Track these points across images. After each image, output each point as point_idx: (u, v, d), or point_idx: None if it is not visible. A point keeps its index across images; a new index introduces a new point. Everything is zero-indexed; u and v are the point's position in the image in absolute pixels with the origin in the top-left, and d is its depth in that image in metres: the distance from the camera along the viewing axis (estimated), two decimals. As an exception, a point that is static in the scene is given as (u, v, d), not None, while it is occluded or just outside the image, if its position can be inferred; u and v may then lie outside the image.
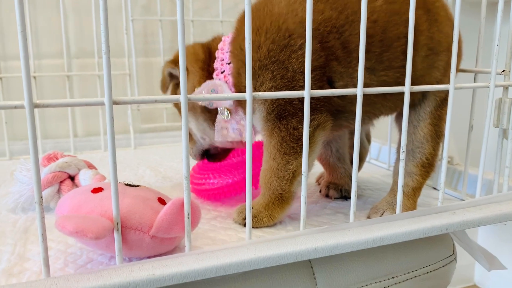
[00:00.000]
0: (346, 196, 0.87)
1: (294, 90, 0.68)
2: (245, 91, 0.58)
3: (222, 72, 0.76)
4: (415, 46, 0.68)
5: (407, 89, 0.66)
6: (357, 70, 0.65)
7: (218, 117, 0.78)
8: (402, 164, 0.68)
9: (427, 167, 0.78)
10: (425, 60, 0.73)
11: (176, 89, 0.87)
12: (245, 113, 0.71)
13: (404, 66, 0.69)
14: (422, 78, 0.74)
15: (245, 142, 0.68)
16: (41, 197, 0.49)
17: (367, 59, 0.68)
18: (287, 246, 0.59)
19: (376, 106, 0.74)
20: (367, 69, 0.69)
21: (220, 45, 0.78)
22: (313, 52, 0.67)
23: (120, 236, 0.54)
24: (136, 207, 0.59)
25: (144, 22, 1.45)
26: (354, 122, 0.70)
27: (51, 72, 1.36)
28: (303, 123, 0.67)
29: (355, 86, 0.64)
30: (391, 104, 0.75)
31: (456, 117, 0.74)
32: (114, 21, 1.40)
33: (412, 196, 0.78)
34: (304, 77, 0.65)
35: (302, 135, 0.67)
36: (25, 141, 1.34)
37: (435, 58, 0.74)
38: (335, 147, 0.89)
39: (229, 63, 0.75)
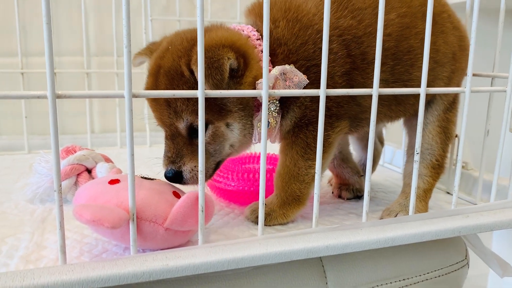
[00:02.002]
0: (358, 195, 0.88)
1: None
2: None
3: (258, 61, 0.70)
4: (420, 59, 0.69)
5: (423, 90, 0.66)
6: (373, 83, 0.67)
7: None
8: (416, 166, 0.69)
9: (437, 168, 0.79)
10: (430, 73, 0.74)
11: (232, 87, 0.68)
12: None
13: (411, 80, 0.71)
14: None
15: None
16: (60, 185, 0.50)
17: (382, 71, 0.70)
18: (299, 243, 0.59)
19: (379, 116, 0.75)
20: (381, 80, 0.70)
21: (245, 33, 0.71)
22: (340, 58, 0.69)
23: (135, 226, 0.55)
24: (151, 199, 0.60)
25: (163, 22, 1.47)
26: (361, 128, 0.75)
27: (71, 69, 1.38)
28: (327, 130, 0.70)
29: (369, 98, 0.65)
30: (394, 114, 0.77)
31: (471, 122, 0.74)
32: (134, 21, 1.42)
33: (424, 197, 0.78)
34: (334, 82, 0.68)
35: (325, 141, 0.70)
36: (43, 135, 1.37)
37: (440, 70, 0.76)
38: (337, 149, 0.90)
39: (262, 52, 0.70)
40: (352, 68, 0.69)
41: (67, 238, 0.67)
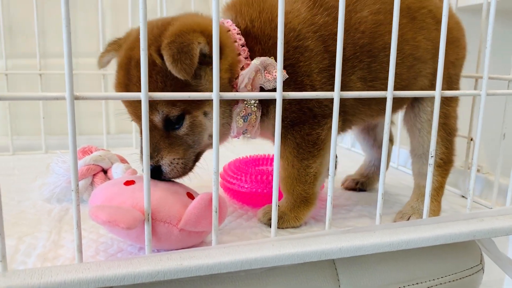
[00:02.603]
0: (360, 189, 0.93)
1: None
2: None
3: (238, 55, 0.69)
4: (399, 56, 0.69)
5: (437, 93, 0.66)
6: (352, 79, 0.69)
7: (241, 106, 0.68)
8: (430, 169, 0.68)
9: (444, 166, 0.78)
10: (411, 70, 0.73)
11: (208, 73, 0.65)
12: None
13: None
14: (407, 87, 0.75)
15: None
16: (77, 186, 0.51)
17: (359, 68, 0.70)
18: (312, 245, 0.59)
19: (361, 115, 0.76)
20: (360, 78, 0.71)
21: (226, 26, 0.70)
22: (318, 54, 0.68)
23: (150, 226, 0.56)
24: (166, 200, 0.61)
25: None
26: (350, 126, 0.79)
27: (87, 70, 1.40)
28: (315, 129, 0.70)
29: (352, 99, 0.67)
30: (375, 113, 0.77)
31: (487, 125, 0.73)
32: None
33: (436, 196, 0.78)
34: (312, 80, 0.67)
35: (316, 139, 0.70)
36: (60, 135, 1.39)
37: (422, 67, 0.75)
38: None
39: (243, 46, 0.69)
40: (331, 64, 0.69)
41: (83, 238, 0.68)
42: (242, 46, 0.67)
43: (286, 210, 0.73)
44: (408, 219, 0.74)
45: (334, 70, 0.67)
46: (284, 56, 0.66)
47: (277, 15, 0.67)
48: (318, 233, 0.63)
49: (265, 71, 0.65)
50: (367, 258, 0.70)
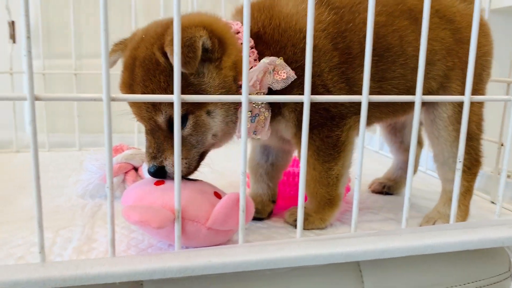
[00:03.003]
0: (387, 192, 0.93)
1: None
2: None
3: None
4: (402, 57, 0.69)
5: (467, 98, 0.66)
6: (362, 77, 0.66)
7: (252, 107, 0.68)
8: (458, 174, 0.68)
9: (468, 170, 0.77)
10: (415, 72, 0.72)
11: (211, 71, 0.65)
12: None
13: (395, 77, 0.71)
14: (413, 89, 0.72)
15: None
16: (112, 182, 0.54)
17: None
18: (337, 246, 0.60)
19: (371, 118, 0.75)
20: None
21: (233, 28, 0.70)
22: (326, 52, 0.69)
23: (180, 223, 0.57)
24: (194, 199, 0.63)
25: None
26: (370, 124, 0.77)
27: (119, 71, 1.44)
28: (334, 131, 0.70)
29: (361, 92, 0.65)
30: (384, 115, 0.78)
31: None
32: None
33: (462, 201, 0.77)
34: (323, 79, 0.68)
35: (336, 141, 0.71)
36: (94, 133, 1.43)
37: (429, 69, 0.73)
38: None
39: (252, 48, 0.69)
40: (341, 62, 0.69)
41: (116, 233, 0.70)
42: (251, 48, 0.67)
43: (311, 212, 0.74)
44: (434, 223, 0.74)
45: (344, 67, 0.68)
46: (292, 59, 0.68)
47: (284, 21, 0.68)
48: (343, 235, 0.64)
49: (274, 72, 0.66)
50: (392, 261, 0.70)
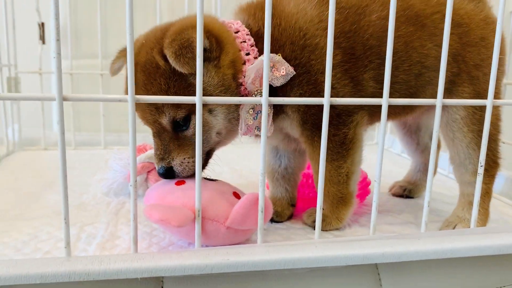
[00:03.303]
0: (407, 196, 0.93)
1: (320, 95, 0.65)
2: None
3: (247, 54, 0.69)
4: (406, 63, 0.69)
5: (489, 102, 0.65)
6: (365, 78, 0.69)
7: (247, 106, 0.68)
8: (479, 178, 0.67)
9: (485, 173, 0.75)
10: (419, 78, 0.72)
11: (210, 70, 0.66)
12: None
13: (397, 82, 0.70)
14: (415, 95, 0.73)
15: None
16: (136, 181, 0.56)
17: (370, 68, 0.71)
18: (355, 248, 0.60)
19: (377, 115, 0.74)
20: (373, 79, 0.71)
21: (232, 27, 0.71)
22: None
23: (200, 222, 0.59)
24: (214, 199, 0.64)
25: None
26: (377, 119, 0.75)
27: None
28: (341, 129, 0.71)
29: (367, 92, 0.68)
30: (389, 114, 0.74)
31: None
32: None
33: (482, 204, 0.76)
34: (324, 77, 0.65)
35: (344, 139, 0.71)
36: (118, 132, 1.46)
37: (433, 75, 0.72)
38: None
39: (252, 46, 0.70)
40: (344, 60, 0.69)
41: (138, 230, 0.72)
42: (252, 46, 0.68)
43: (327, 212, 0.74)
44: (454, 228, 0.74)
45: (347, 65, 0.68)
46: (291, 56, 0.68)
47: (285, 20, 0.69)
48: (361, 237, 0.65)
49: (274, 68, 0.66)
50: (411, 265, 0.70)
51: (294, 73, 0.67)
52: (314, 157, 0.73)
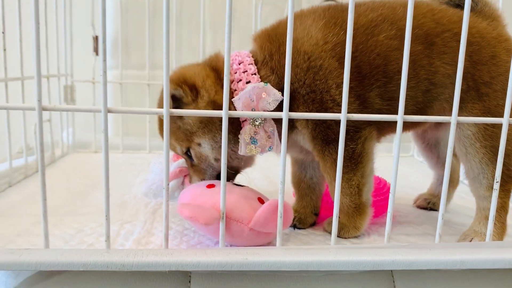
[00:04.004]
0: (431, 208, 0.95)
1: (326, 110, 0.74)
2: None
3: (247, 82, 0.75)
4: (414, 80, 0.71)
5: (505, 120, 0.68)
6: (371, 95, 0.72)
7: (248, 127, 0.73)
8: (495, 194, 0.70)
9: (500, 187, 0.75)
10: (427, 94, 0.74)
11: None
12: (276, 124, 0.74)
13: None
14: (422, 110, 0.76)
15: (250, 157, 0.80)
16: (168, 184, 0.63)
17: (376, 86, 0.74)
18: (367, 255, 0.64)
19: (385, 130, 0.80)
20: (378, 96, 0.74)
21: (237, 59, 0.78)
22: (333, 70, 0.73)
23: (224, 224, 0.65)
24: (239, 203, 0.70)
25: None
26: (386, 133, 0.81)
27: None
28: (349, 145, 0.75)
29: (373, 109, 0.73)
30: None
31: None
32: (243, 39, 1.56)
33: (498, 217, 0.77)
34: (331, 95, 0.73)
35: (352, 154, 0.75)
36: (162, 138, 1.55)
37: (440, 91, 0.75)
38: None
39: (254, 74, 0.75)
40: (350, 80, 0.72)
41: (171, 229, 0.80)
42: (253, 74, 0.75)
43: (345, 221, 0.78)
44: (470, 241, 0.76)
45: (353, 83, 0.71)
46: (294, 79, 0.73)
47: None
48: (375, 245, 0.68)
49: (265, 94, 0.71)
50: (426, 274, 0.73)
51: (282, 98, 0.71)
52: (326, 170, 0.78)
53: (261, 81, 0.75)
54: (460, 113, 0.77)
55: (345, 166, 0.75)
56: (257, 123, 0.72)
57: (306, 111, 0.74)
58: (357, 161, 0.76)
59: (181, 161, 0.99)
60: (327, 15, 0.76)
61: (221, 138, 0.76)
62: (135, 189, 1.04)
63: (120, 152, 1.50)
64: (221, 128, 0.75)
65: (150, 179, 1.00)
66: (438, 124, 0.89)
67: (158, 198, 0.97)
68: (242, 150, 0.73)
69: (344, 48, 0.73)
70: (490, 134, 0.75)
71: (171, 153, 1.01)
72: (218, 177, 0.81)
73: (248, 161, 0.84)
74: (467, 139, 0.77)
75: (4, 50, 1.00)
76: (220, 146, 0.77)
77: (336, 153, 0.74)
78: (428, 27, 0.75)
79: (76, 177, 1.16)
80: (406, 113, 0.73)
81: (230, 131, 0.75)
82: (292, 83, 0.74)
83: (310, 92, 0.73)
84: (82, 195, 0.99)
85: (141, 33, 1.56)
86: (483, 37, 0.77)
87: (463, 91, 0.75)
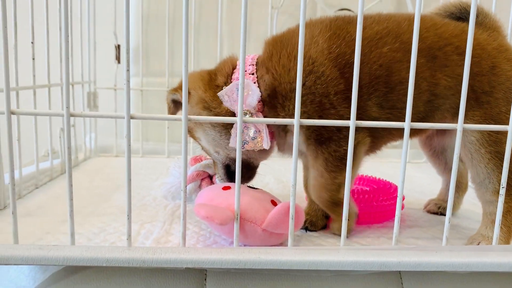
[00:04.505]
0: (442, 213, 0.97)
1: (323, 111, 0.76)
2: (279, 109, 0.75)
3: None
4: (416, 90, 0.72)
5: (510, 128, 0.70)
6: (368, 104, 0.75)
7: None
8: (501, 199, 0.72)
9: (506, 192, 0.76)
10: (428, 104, 0.77)
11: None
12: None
13: (405, 107, 0.73)
14: (424, 119, 0.79)
15: (262, 150, 0.82)
16: (186, 185, 0.67)
17: (375, 96, 0.77)
18: (375, 256, 0.67)
19: (383, 139, 0.83)
20: (376, 104, 0.77)
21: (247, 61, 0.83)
22: (334, 78, 0.76)
23: (238, 224, 0.69)
24: (253, 204, 0.74)
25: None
26: (381, 145, 0.84)
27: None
28: (342, 146, 0.77)
29: (367, 117, 0.76)
30: (396, 137, 0.83)
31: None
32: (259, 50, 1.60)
33: (504, 222, 0.78)
34: (330, 100, 0.76)
35: (344, 155, 0.77)
36: (181, 143, 1.60)
37: (441, 102, 0.77)
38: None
39: (252, 74, 0.81)
40: (346, 88, 0.76)
41: (188, 229, 0.84)
42: (250, 74, 0.80)
43: (335, 225, 0.83)
44: (478, 244, 0.77)
45: (350, 93, 0.73)
46: (294, 78, 0.76)
47: (296, 49, 0.76)
48: (382, 247, 0.71)
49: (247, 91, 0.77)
50: (434, 276, 0.75)
51: (260, 93, 0.77)
52: (315, 165, 0.81)
53: (257, 80, 0.80)
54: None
55: (334, 165, 0.78)
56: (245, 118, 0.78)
57: (304, 111, 0.76)
58: (345, 163, 0.78)
59: (199, 165, 1.03)
60: (333, 27, 0.79)
61: (212, 132, 0.83)
62: (154, 192, 1.09)
63: (140, 157, 1.55)
64: (210, 123, 0.84)
65: (169, 182, 1.04)
66: (443, 132, 0.92)
67: (177, 200, 1.01)
68: (231, 142, 0.80)
69: (344, 60, 0.77)
70: (495, 140, 0.77)
71: (189, 157, 1.05)
72: (227, 170, 0.88)
73: (262, 153, 0.86)
74: (472, 145, 0.79)
75: (33, 59, 1.05)
76: (214, 139, 0.84)
77: (328, 152, 0.78)
78: (431, 41, 0.78)
79: (99, 180, 1.21)
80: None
81: (225, 126, 0.81)
82: (290, 83, 0.78)
83: (309, 93, 0.76)
84: (104, 197, 1.04)
85: (161, 41, 1.62)
86: (483, 49, 0.79)
87: None
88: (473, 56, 0.76)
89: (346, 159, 0.77)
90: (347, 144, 0.76)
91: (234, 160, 0.86)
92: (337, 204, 0.81)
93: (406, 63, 0.75)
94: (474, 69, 0.77)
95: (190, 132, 0.89)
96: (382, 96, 0.78)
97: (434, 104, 0.79)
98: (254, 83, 0.80)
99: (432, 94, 0.78)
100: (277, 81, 0.79)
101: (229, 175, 0.89)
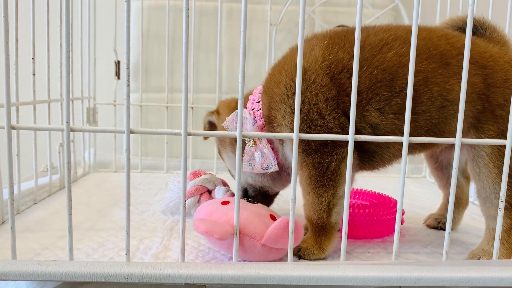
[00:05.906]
0: (442, 228, 0.96)
1: (311, 122, 0.76)
2: (274, 123, 0.78)
3: (252, 109, 0.86)
4: (427, 95, 0.73)
5: (509, 142, 0.70)
6: (367, 109, 0.75)
7: (246, 147, 0.83)
8: (500, 213, 0.72)
9: (510, 208, 0.77)
10: (442, 110, 0.76)
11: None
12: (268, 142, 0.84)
13: (415, 113, 0.75)
14: (437, 126, 0.77)
15: (275, 179, 0.89)
16: (185, 201, 0.67)
17: (376, 100, 0.76)
18: (375, 271, 0.67)
19: (381, 158, 0.81)
20: (377, 109, 0.76)
21: (255, 90, 0.89)
22: (324, 85, 0.76)
23: (238, 239, 0.68)
24: (252, 219, 0.73)
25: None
26: (376, 165, 0.83)
27: (206, 104, 1.61)
28: (325, 158, 0.77)
29: (366, 123, 0.76)
30: (396, 152, 0.81)
31: None
32: (259, 64, 1.61)
33: (506, 238, 0.78)
34: (319, 108, 0.76)
35: (326, 169, 0.76)
36: (179, 158, 1.61)
37: (457, 109, 0.73)
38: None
39: (258, 102, 0.85)
40: (341, 95, 0.76)
41: (187, 245, 0.83)
42: (257, 101, 0.86)
43: (311, 241, 0.79)
44: (479, 259, 0.77)
45: (342, 98, 0.76)
46: (284, 89, 0.79)
47: (293, 62, 0.80)
48: (383, 262, 0.71)
49: (246, 120, 0.83)
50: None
51: (248, 116, 0.83)
52: (302, 182, 0.80)
53: (261, 107, 0.84)
54: (477, 134, 0.79)
55: (317, 180, 0.77)
56: (250, 144, 0.82)
57: (291, 120, 0.77)
58: (330, 178, 0.76)
59: (198, 180, 1.03)
60: (332, 36, 0.80)
61: (231, 155, 0.89)
62: (153, 207, 1.08)
63: (139, 172, 1.55)
64: (229, 146, 0.91)
65: (168, 197, 1.04)
66: (451, 146, 0.91)
67: (175, 215, 1.01)
68: (245, 167, 0.83)
69: (338, 67, 0.77)
70: (503, 155, 0.75)
71: (188, 172, 1.05)
72: (244, 194, 0.96)
73: (275, 181, 0.92)
74: (481, 159, 0.78)
75: (33, 75, 1.06)
76: (233, 163, 0.88)
77: (312, 165, 0.77)
78: (443, 49, 0.77)
79: (97, 195, 1.21)
80: (418, 127, 0.77)
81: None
82: (280, 95, 0.80)
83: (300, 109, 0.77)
84: (103, 212, 1.04)
85: (160, 58, 1.63)
86: (496, 61, 0.79)
87: (479, 111, 0.78)
88: (486, 68, 0.78)
89: (329, 174, 0.77)
90: (330, 157, 0.77)
91: (252, 185, 0.94)
92: (324, 229, 0.79)
93: (415, 67, 0.75)
94: (488, 80, 0.77)
95: (219, 153, 0.99)
96: (384, 100, 0.76)
97: (450, 111, 0.77)
98: (259, 109, 0.84)
99: (445, 99, 0.77)
100: (270, 97, 0.82)
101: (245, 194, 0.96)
